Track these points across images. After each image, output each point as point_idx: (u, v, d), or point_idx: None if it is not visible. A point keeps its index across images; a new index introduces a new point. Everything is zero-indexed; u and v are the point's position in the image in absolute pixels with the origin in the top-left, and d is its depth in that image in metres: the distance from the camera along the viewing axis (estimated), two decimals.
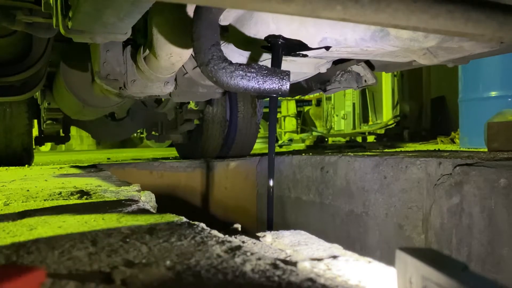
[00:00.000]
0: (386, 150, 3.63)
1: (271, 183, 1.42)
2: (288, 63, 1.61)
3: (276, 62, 1.38)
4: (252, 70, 1.25)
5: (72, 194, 1.27)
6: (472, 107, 3.89)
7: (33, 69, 2.27)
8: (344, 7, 0.67)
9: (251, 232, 0.87)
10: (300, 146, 7.30)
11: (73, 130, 5.07)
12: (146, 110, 3.39)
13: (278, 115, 11.05)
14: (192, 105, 3.18)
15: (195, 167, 2.97)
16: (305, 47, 1.42)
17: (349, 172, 2.22)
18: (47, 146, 10.10)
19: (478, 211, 1.54)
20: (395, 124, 6.66)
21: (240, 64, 1.25)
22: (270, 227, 1.45)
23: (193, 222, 0.85)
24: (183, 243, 0.68)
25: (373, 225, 2.05)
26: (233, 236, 0.83)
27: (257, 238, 0.83)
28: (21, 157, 3.10)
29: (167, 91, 1.87)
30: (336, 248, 0.74)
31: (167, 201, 2.86)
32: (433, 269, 0.44)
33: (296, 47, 1.43)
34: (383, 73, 6.31)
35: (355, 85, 2.14)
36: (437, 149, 3.47)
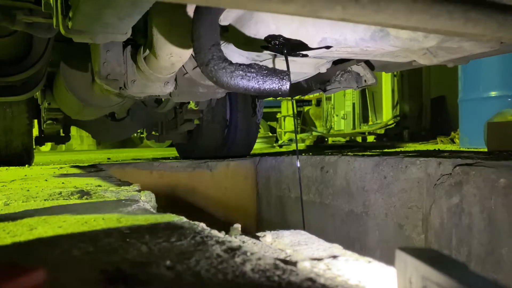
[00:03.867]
0: (386, 150, 3.63)
1: (299, 184, 1.48)
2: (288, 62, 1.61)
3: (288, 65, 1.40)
4: (252, 70, 1.25)
5: (72, 194, 1.27)
6: (472, 107, 3.89)
7: (33, 69, 2.27)
8: (344, 7, 0.67)
9: (251, 232, 0.88)
10: (300, 146, 7.30)
11: (73, 130, 5.08)
12: (146, 110, 3.39)
13: (278, 115, 11.05)
14: (192, 105, 3.18)
15: (195, 167, 2.97)
16: (305, 47, 1.42)
17: (349, 172, 2.22)
18: (47, 146, 10.10)
19: (478, 211, 1.54)
20: (395, 124, 6.66)
21: (240, 64, 1.25)
22: (303, 226, 1.50)
23: (193, 222, 0.85)
24: (183, 243, 0.68)
25: (373, 225, 2.05)
26: (233, 236, 0.83)
27: (257, 238, 0.83)
28: (21, 157, 3.10)
29: (167, 91, 1.87)
30: (336, 248, 0.74)
31: (167, 201, 2.86)
32: (433, 269, 0.44)
33: (296, 47, 1.43)
34: (383, 73, 6.30)
35: (355, 85, 2.14)
36: (437, 149, 3.47)
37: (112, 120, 3.44)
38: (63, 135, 3.62)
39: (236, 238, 0.81)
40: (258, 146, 7.54)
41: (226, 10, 1.29)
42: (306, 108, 11.24)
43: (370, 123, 7.89)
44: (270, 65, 1.54)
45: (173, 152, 4.75)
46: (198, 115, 3.23)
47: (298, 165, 1.41)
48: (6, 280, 0.42)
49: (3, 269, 0.44)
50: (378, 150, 3.33)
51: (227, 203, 3.04)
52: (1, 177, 1.94)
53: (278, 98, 9.36)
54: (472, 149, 3.43)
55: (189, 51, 1.49)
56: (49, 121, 3.23)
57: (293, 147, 7.24)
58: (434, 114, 6.42)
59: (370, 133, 6.94)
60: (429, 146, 4.29)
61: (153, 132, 3.74)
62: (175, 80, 1.90)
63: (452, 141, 4.81)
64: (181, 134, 3.47)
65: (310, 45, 1.42)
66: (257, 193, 3.12)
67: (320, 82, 2.24)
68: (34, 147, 3.32)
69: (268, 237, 0.82)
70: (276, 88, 1.26)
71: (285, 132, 10.74)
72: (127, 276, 0.53)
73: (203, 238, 0.71)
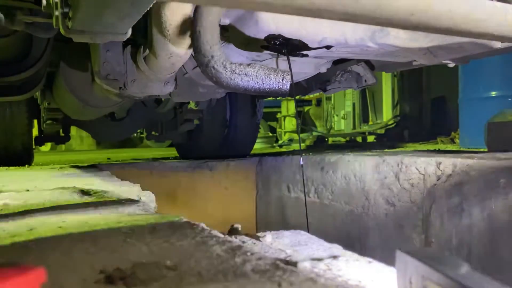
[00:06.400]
0: (386, 150, 3.63)
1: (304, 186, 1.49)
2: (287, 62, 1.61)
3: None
4: (252, 70, 1.25)
5: (72, 194, 1.27)
6: (472, 107, 3.89)
7: (33, 69, 2.27)
8: (344, 7, 0.67)
9: (251, 232, 0.87)
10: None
11: (73, 130, 5.07)
12: (146, 110, 3.38)
13: (278, 115, 11.04)
14: (192, 105, 3.18)
15: (195, 167, 2.97)
16: (305, 47, 1.42)
17: (349, 172, 2.22)
18: (47, 146, 10.08)
19: (478, 211, 1.54)
20: (395, 124, 6.65)
21: (240, 64, 1.25)
22: (308, 229, 1.50)
23: (193, 222, 0.85)
24: (183, 243, 0.68)
25: (373, 225, 2.05)
26: (233, 236, 0.83)
27: (257, 238, 0.83)
28: (21, 157, 3.10)
29: (167, 91, 1.87)
30: (336, 248, 0.74)
31: (167, 201, 2.86)
32: (433, 269, 0.44)
33: (296, 47, 1.43)
34: (383, 73, 6.30)
35: (355, 85, 2.14)
36: (437, 149, 3.47)
37: (112, 120, 3.44)
38: (63, 135, 3.62)
39: (236, 238, 0.81)
40: (258, 146, 7.53)
41: (226, 10, 1.29)
42: (306, 108, 11.23)
43: (370, 123, 7.88)
44: (270, 65, 1.53)
45: (173, 152, 4.75)
46: (198, 115, 3.23)
47: (301, 163, 1.41)
48: (6, 280, 0.42)
49: (3, 269, 0.44)
50: (378, 150, 3.33)
51: (227, 203, 3.03)
52: (1, 177, 1.94)
53: (278, 98, 9.36)
54: (472, 149, 3.43)
55: (189, 51, 1.49)
56: (49, 121, 3.22)
57: (293, 147, 7.24)
58: (434, 114, 6.41)
59: (370, 133, 6.94)
60: (429, 146, 4.28)
61: (153, 132, 3.73)
62: (175, 80, 1.90)
63: (452, 141, 4.81)
64: (181, 134, 3.47)
65: (310, 45, 1.42)
66: (257, 193, 3.12)
67: (320, 82, 2.24)
68: (34, 147, 3.32)
69: (268, 237, 0.82)
70: (276, 88, 1.26)
71: (285, 132, 10.73)
72: (127, 276, 0.53)
73: (203, 238, 0.71)
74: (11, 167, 2.76)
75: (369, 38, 1.39)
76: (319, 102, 10.52)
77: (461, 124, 4.09)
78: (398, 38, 1.38)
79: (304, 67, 1.70)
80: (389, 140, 6.03)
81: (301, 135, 9.73)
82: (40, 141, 3.54)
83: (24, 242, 0.70)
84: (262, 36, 1.36)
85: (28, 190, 1.39)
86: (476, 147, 3.59)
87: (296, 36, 1.37)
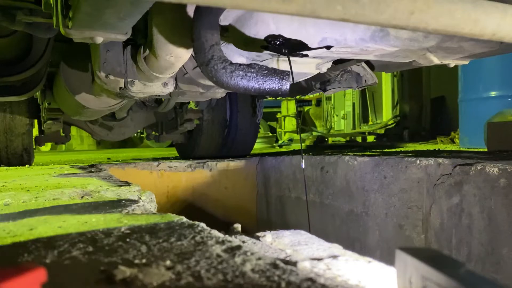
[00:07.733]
0: (386, 150, 3.63)
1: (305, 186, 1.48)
2: (287, 63, 1.61)
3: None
4: (252, 70, 1.25)
5: (72, 194, 1.27)
6: (472, 107, 3.90)
7: (33, 69, 2.27)
8: (344, 7, 0.67)
9: (251, 232, 0.87)
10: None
11: (73, 130, 5.07)
12: (146, 110, 3.39)
13: (278, 115, 11.05)
14: (192, 105, 3.19)
15: (195, 167, 2.97)
16: (305, 47, 1.42)
17: (349, 172, 2.22)
18: (47, 146, 10.10)
19: (478, 211, 1.54)
20: (395, 124, 6.65)
21: (240, 64, 1.25)
22: (309, 229, 1.50)
23: (193, 222, 0.85)
24: (183, 243, 0.68)
25: (373, 225, 2.05)
26: (233, 236, 0.83)
27: (257, 238, 0.83)
28: (21, 157, 3.10)
29: (167, 91, 1.87)
30: (336, 248, 0.74)
31: (167, 201, 2.86)
32: (433, 269, 0.44)
33: (296, 47, 1.43)
34: (383, 73, 6.30)
35: (355, 85, 2.14)
36: (437, 149, 3.47)
37: (112, 120, 3.44)
38: (63, 135, 3.62)
39: (236, 238, 0.81)
40: (258, 146, 7.54)
41: (226, 10, 1.29)
42: (306, 108, 11.23)
43: (370, 123, 7.89)
44: (270, 65, 1.54)
45: (173, 152, 4.75)
46: (198, 115, 3.23)
47: (303, 163, 1.42)
48: (6, 280, 0.42)
49: (3, 269, 0.44)
50: (378, 150, 3.33)
51: (227, 203, 3.04)
52: (1, 177, 1.94)
53: (278, 98, 9.36)
54: (472, 149, 3.43)
55: (189, 51, 1.49)
56: (49, 121, 3.23)
57: (293, 147, 7.24)
58: (434, 114, 6.42)
59: (370, 133, 6.94)
60: (429, 146, 4.29)
61: (153, 132, 3.74)
62: (175, 80, 1.90)
63: (452, 141, 4.81)
64: (181, 134, 3.47)
65: (310, 45, 1.42)
66: (257, 193, 3.12)
67: (320, 82, 2.24)
68: (34, 147, 3.32)
69: (268, 237, 0.82)
70: (276, 88, 1.26)
71: (285, 132, 10.74)
72: (127, 276, 0.53)
73: (203, 238, 0.71)
74: (11, 167, 2.76)
75: (369, 38, 1.39)
76: (319, 102, 10.53)
77: (461, 124, 4.10)
78: (398, 38, 1.38)
79: (304, 67, 1.70)
80: (389, 140, 6.04)
81: (301, 135, 9.72)
82: (40, 141, 3.54)
83: (24, 242, 0.70)
84: (262, 36, 1.36)
85: (28, 190, 1.39)
86: (476, 147, 3.60)
87: (296, 36, 1.37)
